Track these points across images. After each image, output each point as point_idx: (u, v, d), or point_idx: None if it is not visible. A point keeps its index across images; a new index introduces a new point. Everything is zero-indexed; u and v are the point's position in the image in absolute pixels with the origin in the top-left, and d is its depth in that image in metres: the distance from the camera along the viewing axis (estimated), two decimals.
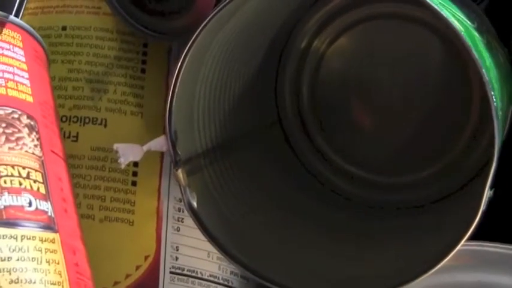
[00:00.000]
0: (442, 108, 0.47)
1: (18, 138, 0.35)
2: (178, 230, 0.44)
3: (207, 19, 0.38)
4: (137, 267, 0.43)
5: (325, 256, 0.43)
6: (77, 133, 0.45)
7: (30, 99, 0.37)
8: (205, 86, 0.42)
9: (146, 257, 0.43)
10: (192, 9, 0.42)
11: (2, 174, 0.34)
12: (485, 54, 0.38)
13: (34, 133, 0.36)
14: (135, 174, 0.44)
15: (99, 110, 0.45)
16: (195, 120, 0.42)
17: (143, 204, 0.44)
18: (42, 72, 0.39)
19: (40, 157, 0.36)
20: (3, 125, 0.35)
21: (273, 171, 0.47)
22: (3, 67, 0.36)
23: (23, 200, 0.34)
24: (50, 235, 0.34)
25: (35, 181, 0.34)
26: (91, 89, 0.45)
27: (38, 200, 0.34)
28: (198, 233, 0.42)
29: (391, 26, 0.47)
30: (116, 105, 0.45)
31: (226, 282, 0.45)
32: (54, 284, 0.33)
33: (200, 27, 0.38)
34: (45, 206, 0.34)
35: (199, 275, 0.44)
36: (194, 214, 0.40)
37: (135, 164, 0.44)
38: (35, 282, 0.32)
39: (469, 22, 0.39)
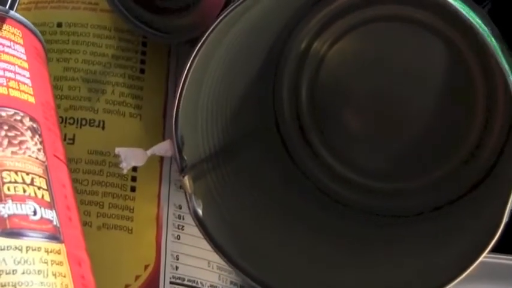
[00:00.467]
0: (444, 114, 0.46)
1: (21, 142, 0.33)
2: (178, 238, 0.43)
3: (218, 20, 0.37)
4: (136, 277, 0.42)
5: (332, 266, 0.42)
6: (74, 135, 0.43)
7: (32, 99, 0.35)
8: (210, 88, 0.41)
9: (146, 267, 0.42)
10: (200, 7, 0.41)
11: (5, 180, 0.32)
12: (504, 60, 0.37)
13: (37, 136, 0.34)
14: (134, 179, 0.43)
15: (96, 112, 0.44)
16: (199, 124, 0.41)
17: (142, 211, 0.43)
18: (42, 70, 0.37)
19: (44, 162, 0.34)
20: (6, 127, 0.33)
21: (273, 177, 0.46)
22: (4, 65, 0.34)
23: (27, 208, 0.32)
24: (55, 246, 0.32)
25: (39, 188, 0.33)
26: (88, 89, 0.44)
27: (42, 208, 0.32)
28: (198, 242, 0.42)
29: (393, 28, 0.46)
30: (114, 107, 0.44)
31: None
32: None
33: (211, 28, 0.37)
34: (50, 214, 0.32)
35: (199, 285, 0.43)
36: (200, 222, 0.39)
37: (134, 168, 0.43)
38: None
39: (486, 28, 0.39)
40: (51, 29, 0.45)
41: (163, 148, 0.39)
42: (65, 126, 0.43)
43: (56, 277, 0.31)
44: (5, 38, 0.36)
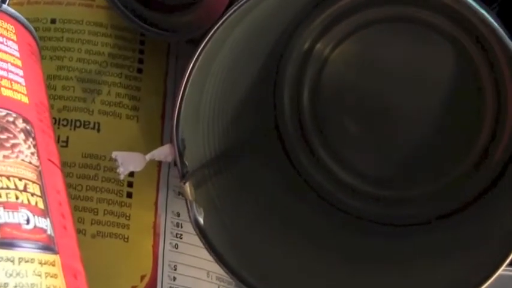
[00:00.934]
0: (451, 119, 0.45)
1: (13, 145, 0.31)
2: (176, 247, 0.42)
3: (223, 19, 0.36)
4: None
5: (333, 280, 0.42)
6: (67, 138, 0.42)
7: (25, 99, 0.33)
8: (212, 89, 0.40)
9: (142, 277, 0.41)
10: (204, 4, 0.40)
11: None
12: None
13: (30, 139, 0.32)
14: (130, 185, 0.42)
15: (91, 113, 0.43)
16: (201, 127, 0.40)
17: (139, 218, 0.42)
18: (36, 69, 0.36)
19: (37, 167, 0.32)
20: None
21: (275, 184, 0.46)
22: None
23: (20, 216, 0.30)
24: (49, 257, 0.30)
25: (32, 194, 0.31)
26: (83, 89, 0.43)
27: (36, 217, 0.30)
28: (197, 251, 0.41)
29: (397, 29, 0.45)
30: (110, 108, 0.43)
31: None
32: None
33: (216, 26, 0.37)
34: (44, 223, 0.30)
35: None
36: (201, 231, 0.38)
37: (131, 173, 0.41)
38: None
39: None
40: (44, 25, 0.44)
41: (163, 153, 0.38)
42: (58, 128, 0.42)
43: None
44: None
